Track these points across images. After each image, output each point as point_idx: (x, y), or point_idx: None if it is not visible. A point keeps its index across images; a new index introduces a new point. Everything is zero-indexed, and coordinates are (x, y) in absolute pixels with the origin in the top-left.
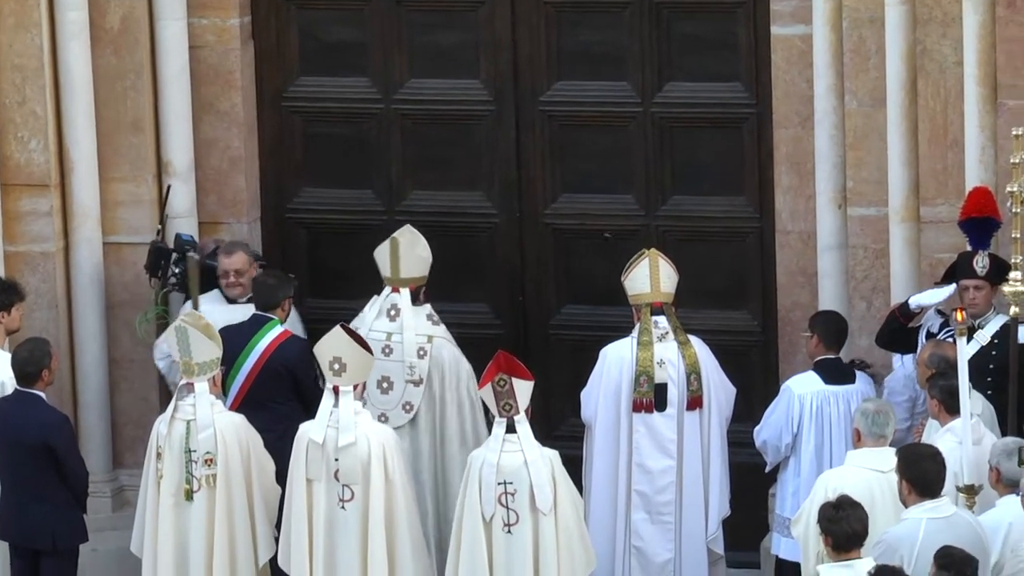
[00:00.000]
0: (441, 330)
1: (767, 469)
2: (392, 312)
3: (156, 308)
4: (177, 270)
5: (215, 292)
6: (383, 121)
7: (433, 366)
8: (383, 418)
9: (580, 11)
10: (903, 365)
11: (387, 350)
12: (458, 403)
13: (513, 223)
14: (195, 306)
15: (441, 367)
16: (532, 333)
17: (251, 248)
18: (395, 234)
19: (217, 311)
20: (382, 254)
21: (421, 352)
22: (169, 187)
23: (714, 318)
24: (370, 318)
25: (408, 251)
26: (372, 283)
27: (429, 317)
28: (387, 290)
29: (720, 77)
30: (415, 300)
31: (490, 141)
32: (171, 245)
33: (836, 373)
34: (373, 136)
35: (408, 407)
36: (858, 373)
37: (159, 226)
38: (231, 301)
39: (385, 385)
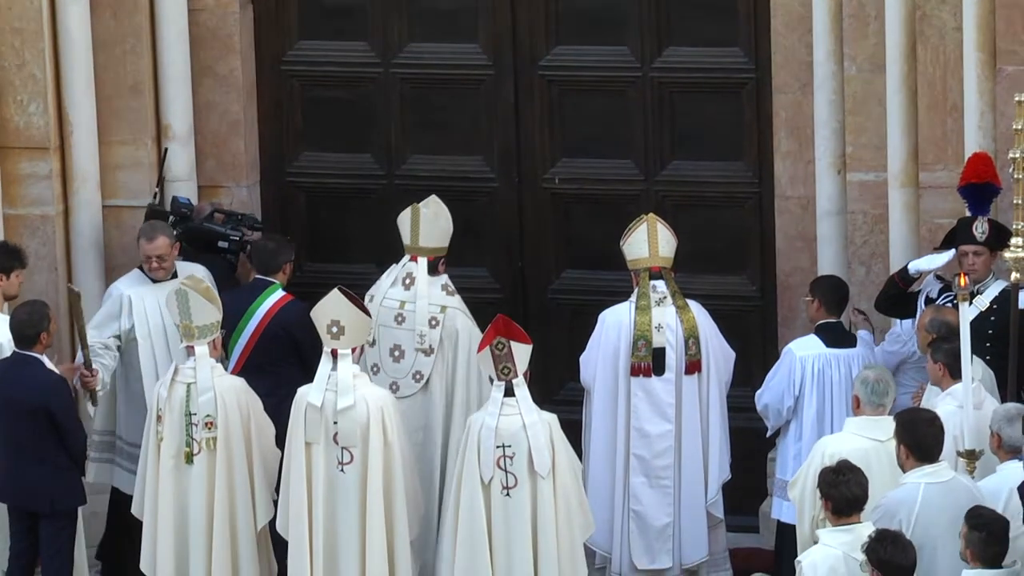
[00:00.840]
0: (456, 300)
1: (768, 433)
2: (407, 280)
3: None
4: (175, 232)
5: (136, 272)
6: (382, 85)
7: (446, 335)
8: (394, 386)
9: None
10: (900, 328)
11: (399, 318)
12: (468, 373)
13: (512, 187)
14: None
15: (454, 337)
16: (531, 297)
17: (171, 231)
18: (420, 203)
19: (141, 291)
20: (404, 221)
21: (433, 322)
22: (166, 150)
23: (713, 283)
24: (386, 285)
25: (430, 221)
26: (371, 247)
27: (444, 287)
28: (405, 258)
29: (720, 42)
30: (433, 271)
31: (489, 105)
32: (168, 208)
33: (838, 336)
34: (372, 100)
35: (418, 376)
36: (859, 336)
37: (156, 189)
38: (154, 281)
39: (397, 354)
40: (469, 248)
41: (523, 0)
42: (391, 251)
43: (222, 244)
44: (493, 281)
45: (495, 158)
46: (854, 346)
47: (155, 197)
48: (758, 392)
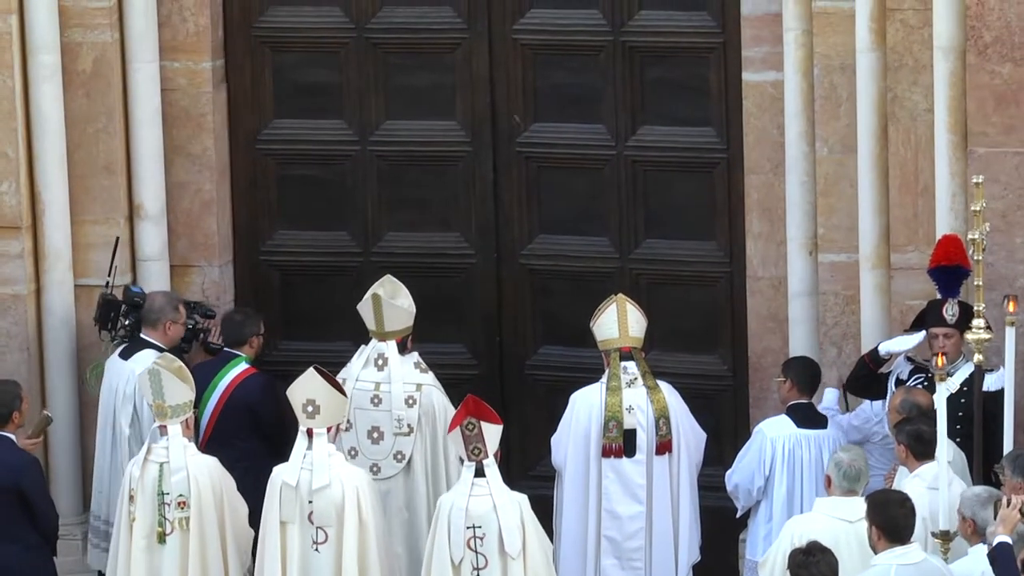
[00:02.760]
0: (430, 377)
1: (739, 514)
2: (379, 361)
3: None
4: (127, 322)
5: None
6: (359, 162)
7: (423, 413)
8: (375, 468)
9: (556, 53)
10: (869, 407)
11: (376, 400)
12: (447, 448)
13: (490, 263)
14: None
15: (432, 413)
16: (508, 373)
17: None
18: (374, 288)
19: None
20: (365, 309)
21: (410, 401)
22: (118, 239)
23: (686, 362)
24: (357, 368)
25: (390, 304)
26: (348, 325)
27: (417, 365)
28: (373, 340)
29: (693, 122)
30: (403, 350)
31: (467, 182)
32: (120, 297)
33: (809, 417)
34: (348, 178)
35: (399, 456)
36: (829, 420)
37: (108, 278)
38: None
39: (376, 435)
40: (448, 324)
41: (501, 77)
42: (367, 329)
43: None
44: (471, 357)
45: (473, 234)
46: (825, 427)
47: (107, 286)
48: (728, 472)
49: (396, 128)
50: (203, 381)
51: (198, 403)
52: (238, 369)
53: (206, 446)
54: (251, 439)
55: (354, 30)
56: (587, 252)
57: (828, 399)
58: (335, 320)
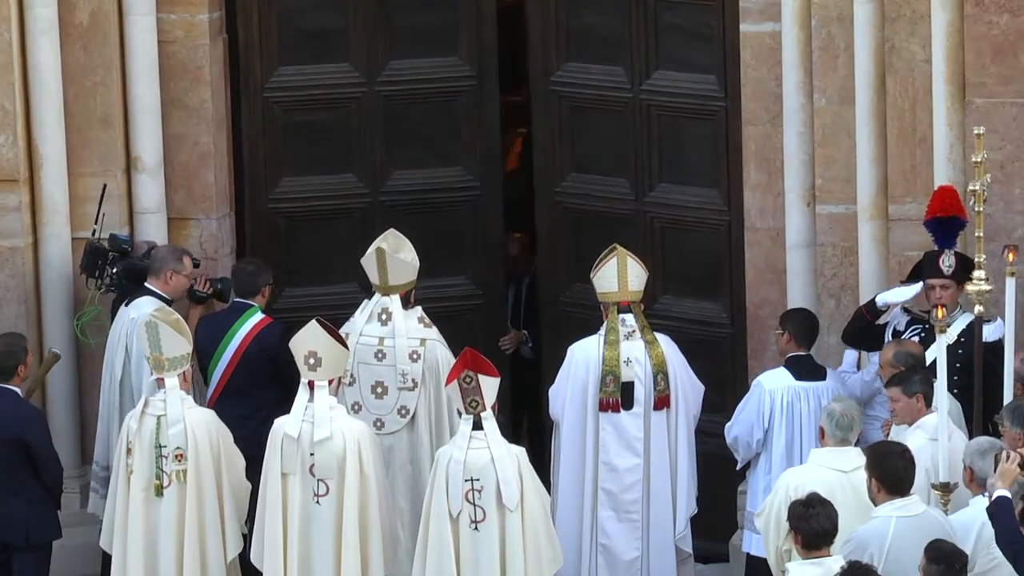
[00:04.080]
0: (434, 332)
1: (738, 466)
2: (383, 316)
3: (93, 309)
4: (114, 270)
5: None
6: (364, 104)
7: (427, 368)
8: (379, 423)
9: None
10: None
11: (379, 355)
12: (451, 404)
13: (496, 193)
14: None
15: (436, 368)
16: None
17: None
18: (378, 242)
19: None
20: (369, 263)
21: (414, 356)
22: (105, 186)
23: (692, 308)
24: (360, 323)
25: (394, 258)
26: (355, 269)
27: (420, 319)
28: (376, 295)
29: (699, 69)
30: (406, 304)
31: (472, 116)
32: (107, 244)
33: (807, 370)
34: (355, 120)
35: (404, 411)
36: (828, 369)
37: (95, 226)
38: (169, 303)
39: (380, 390)
40: (452, 256)
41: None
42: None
43: None
44: (475, 287)
45: (477, 166)
46: (823, 379)
47: (94, 234)
48: (727, 425)
49: (401, 68)
50: (218, 332)
51: (213, 353)
52: (255, 319)
53: (221, 395)
54: (270, 387)
55: None
56: (609, 193)
57: (847, 361)
58: (341, 264)
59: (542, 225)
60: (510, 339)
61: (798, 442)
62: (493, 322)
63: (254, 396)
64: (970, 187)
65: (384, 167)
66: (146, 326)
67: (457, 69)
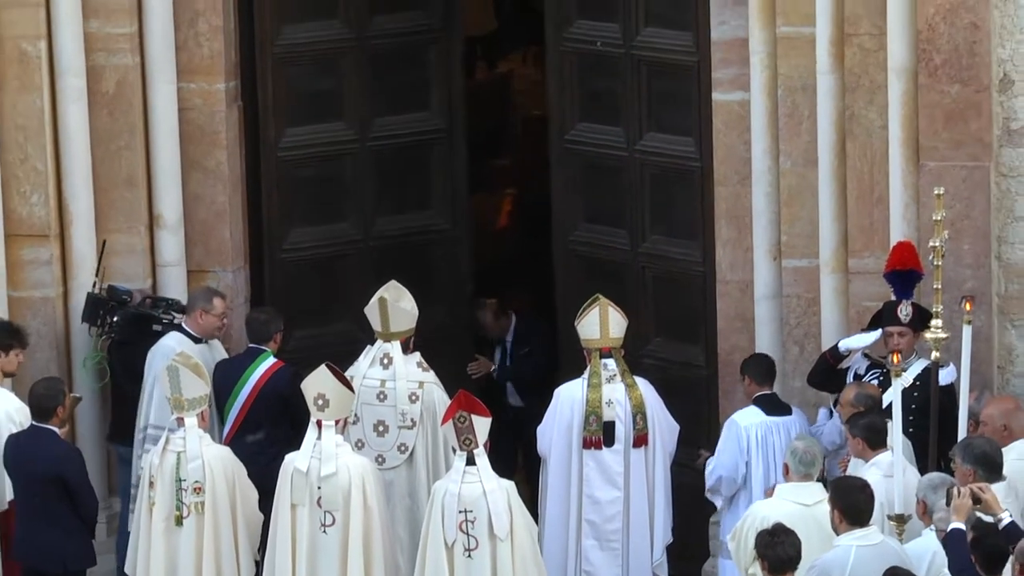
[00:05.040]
0: (431, 376)
1: (719, 507)
2: (385, 360)
3: (96, 355)
4: (113, 319)
5: (176, 334)
6: (358, 159)
7: (425, 408)
8: (380, 459)
9: (588, 59)
10: (834, 419)
11: (381, 396)
12: (447, 442)
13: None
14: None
15: (432, 409)
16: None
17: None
18: (380, 292)
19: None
20: (372, 312)
21: (413, 397)
22: (104, 242)
23: (678, 350)
24: (364, 367)
25: (396, 307)
26: (352, 308)
27: (419, 364)
28: (379, 341)
29: (681, 132)
30: (405, 349)
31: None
32: (107, 296)
33: (774, 405)
34: (348, 173)
35: (403, 448)
36: (793, 407)
37: (95, 278)
38: (197, 340)
39: (381, 429)
40: (427, 288)
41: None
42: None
43: (156, 327)
44: (449, 317)
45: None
46: (790, 414)
47: (95, 286)
48: (708, 470)
49: (386, 123)
50: (234, 374)
51: (229, 394)
52: (267, 363)
53: (237, 432)
54: (281, 425)
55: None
56: (610, 243)
57: (821, 417)
58: (339, 306)
59: (559, 272)
60: (477, 365)
61: (773, 473)
62: (463, 348)
63: (267, 433)
64: (930, 243)
65: (372, 214)
66: (167, 370)
67: (430, 122)
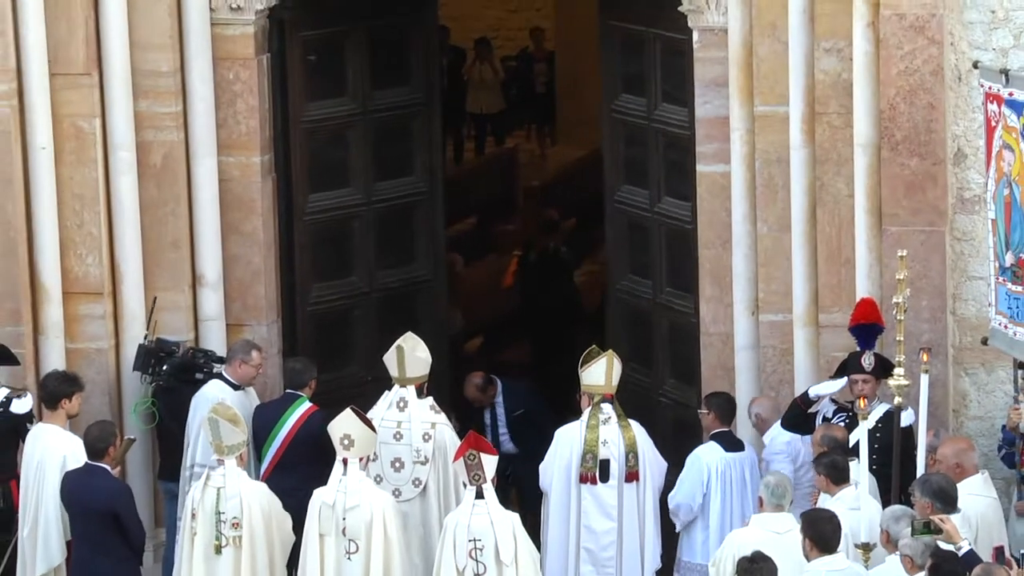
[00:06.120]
0: (442, 417)
1: (677, 529)
2: (401, 404)
3: (145, 400)
4: (162, 368)
5: (217, 382)
6: (364, 219)
7: (437, 447)
8: (397, 492)
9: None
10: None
11: (398, 436)
12: (456, 477)
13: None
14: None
15: (444, 447)
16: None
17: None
18: (399, 342)
19: (226, 395)
20: (390, 360)
21: (426, 436)
22: (155, 298)
23: (684, 392)
24: (382, 410)
25: (412, 355)
26: (363, 352)
27: (432, 407)
28: (396, 387)
29: (682, 197)
30: (420, 394)
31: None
32: (157, 347)
33: (731, 442)
34: (357, 232)
35: (417, 482)
36: (746, 443)
37: (147, 331)
38: (236, 387)
39: (397, 465)
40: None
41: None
42: (381, 349)
43: (199, 375)
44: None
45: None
46: (744, 450)
47: (146, 338)
48: (671, 495)
49: (383, 187)
50: (272, 418)
51: (267, 436)
52: (303, 408)
53: (274, 470)
54: (315, 465)
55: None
56: (643, 293)
57: (774, 440)
58: (351, 350)
59: (610, 321)
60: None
61: (730, 502)
62: (441, 387)
63: (301, 472)
64: (893, 299)
65: (375, 269)
66: (208, 421)
67: (413, 185)
